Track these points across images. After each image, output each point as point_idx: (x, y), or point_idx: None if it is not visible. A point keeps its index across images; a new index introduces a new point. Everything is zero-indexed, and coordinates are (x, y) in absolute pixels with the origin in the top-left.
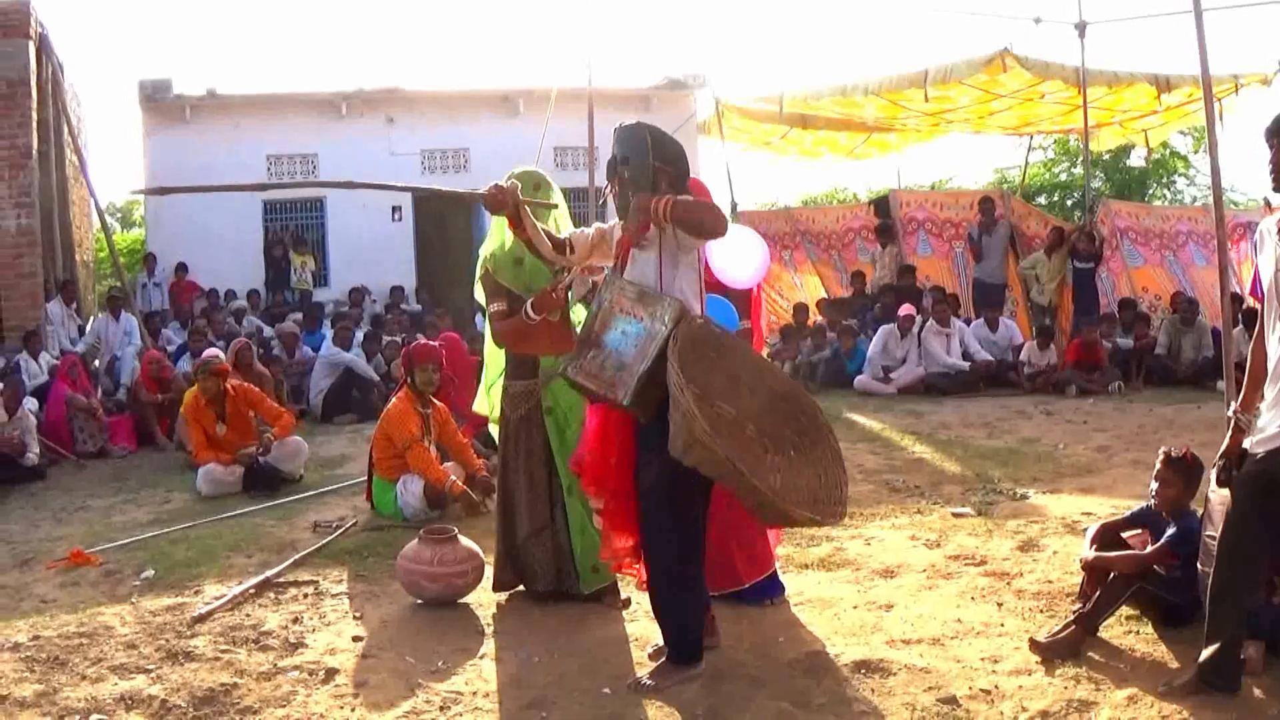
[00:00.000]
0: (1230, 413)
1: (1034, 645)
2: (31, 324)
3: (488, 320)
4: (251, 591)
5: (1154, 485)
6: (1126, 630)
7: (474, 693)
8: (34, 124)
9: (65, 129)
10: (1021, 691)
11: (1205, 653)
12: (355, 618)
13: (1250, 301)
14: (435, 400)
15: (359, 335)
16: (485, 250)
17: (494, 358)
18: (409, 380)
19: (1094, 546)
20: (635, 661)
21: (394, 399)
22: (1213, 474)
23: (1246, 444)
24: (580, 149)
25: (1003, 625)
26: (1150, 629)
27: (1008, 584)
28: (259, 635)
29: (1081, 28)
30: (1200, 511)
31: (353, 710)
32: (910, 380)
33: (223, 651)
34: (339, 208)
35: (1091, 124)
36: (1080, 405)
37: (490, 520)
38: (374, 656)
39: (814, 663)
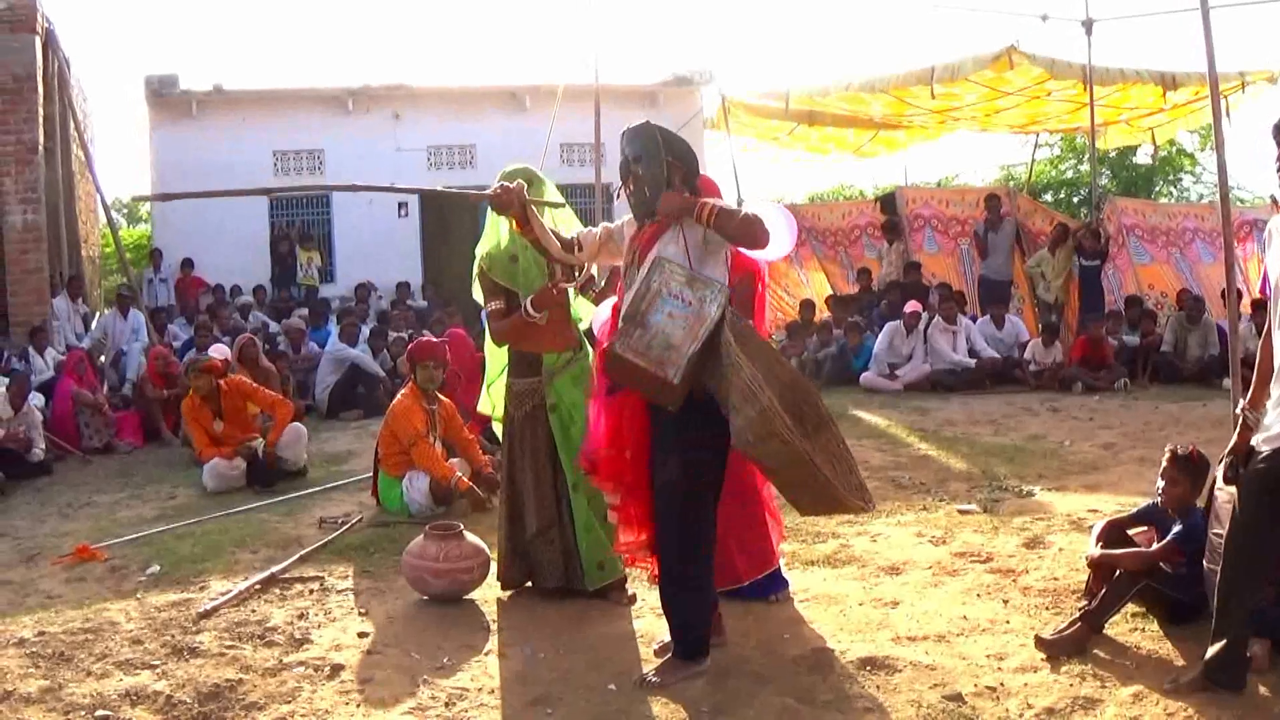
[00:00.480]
0: (1238, 410)
1: (1039, 642)
2: (38, 320)
3: (486, 318)
4: (257, 587)
5: (1160, 483)
6: (1132, 627)
7: (479, 689)
8: (40, 119)
9: (71, 124)
10: (1027, 689)
11: (1211, 650)
12: (361, 614)
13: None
14: (441, 396)
15: (365, 331)
16: (481, 249)
17: (494, 356)
18: (416, 377)
19: (1100, 544)
20: (641, 658)
21: (400, 395)
22: (1219, 472)
23: (1254, 441)
24: (587, 145)
25: (1008, 622)
26: (1156, 626)
27: (1013, 581)
28: (264, 631)
29: (1088, 25)
30: (1206, 509)
31: (358, 706)
32: (916, 377)
33: (228, 647)
34: (345, 204)
35: (1098, 122)
36: (1086, 402)
37: (495, 517)
38: (379, 652)
39: (819, 659)
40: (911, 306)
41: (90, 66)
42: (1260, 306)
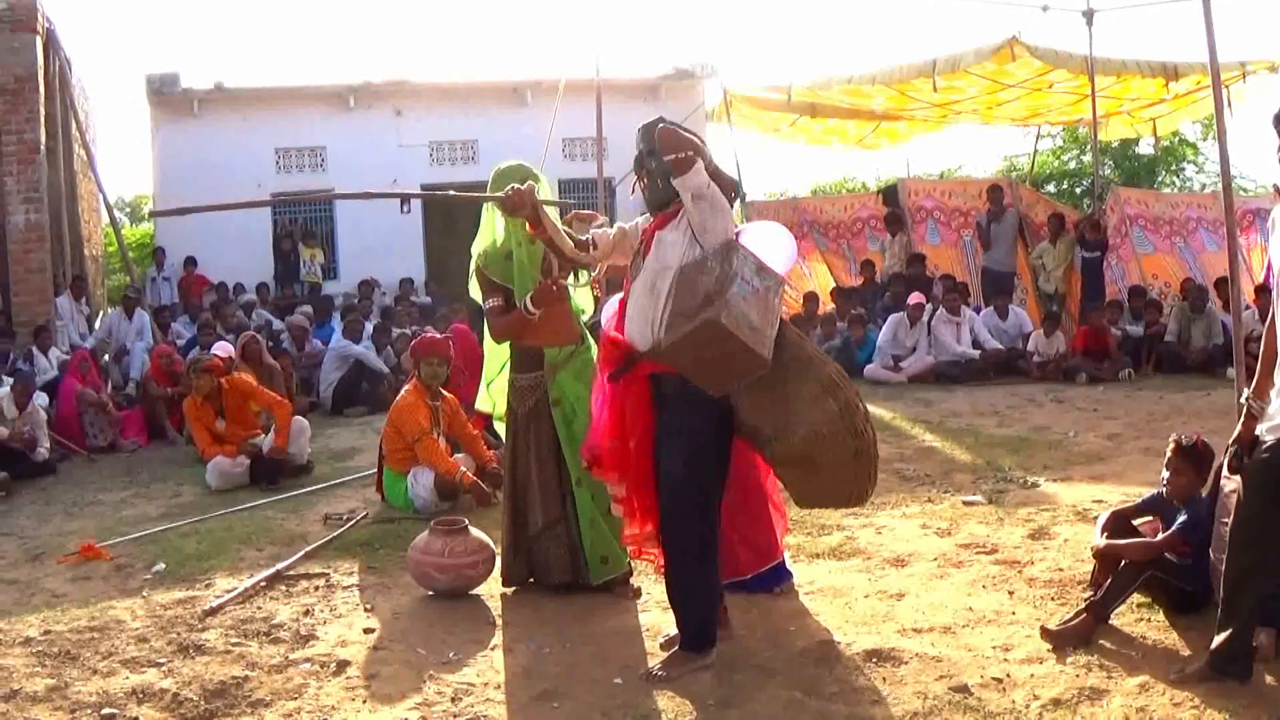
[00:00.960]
0: (1242, 399)
1: (1045, 633)
2: (41, 319)
3: (485, 317)
4: (262, 584)
5: (1165, 473)
6: (1138, 618)
7: (485, 684)
8: (42, 119)
9: (73, 124)
10: (1033, 680)
11: (1217, 640)
12: (366, 610)
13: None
14: (445, 392)
15: (369, 328)
16: (476, 247)
17: (493, 354)
18: (419, 373)
19: (1105, 534)
20: (647, 651)
21: (403, 391)
22: (1224, 461)
23: (1259, 431)
24: (589, 140)
25: (1014, 613)
26: (1161, 617)
27: (1019, 572)
28: (270, 628)
29: (1089, 15)
30: (1212, 498)
31: (364, 702)
32: (920, 369)
33: (234, 644)
34: (347, 201)
35: (1100, 113)
36: (1090, 393)
37: (500, 512)
38: (385, 648)
39: (825, 652)
40: (915, 298)
41: (92, 66)
42: (1263, 291)
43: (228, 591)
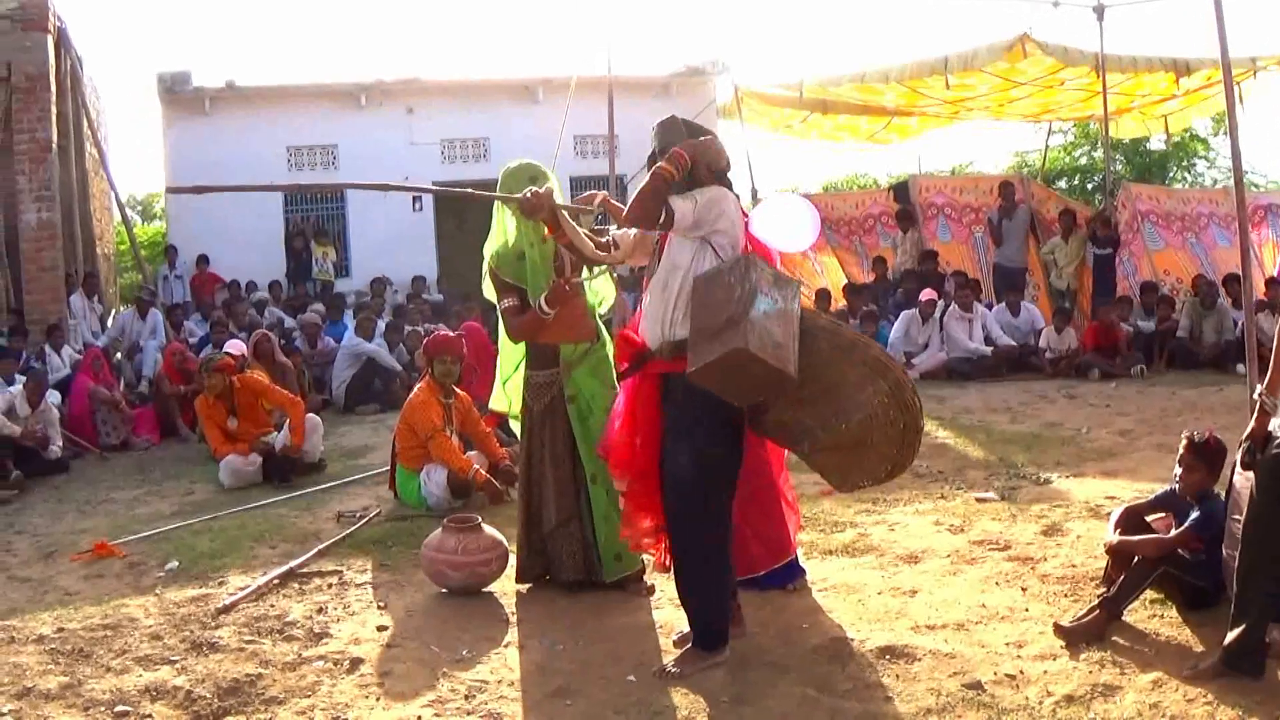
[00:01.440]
0: (1255, 395)
1: (1058, 630)
2: (54, 317)
3: (501, 316)
4: (276, 582)
5: (1177, 470)
6: (1151, 614)
7: (499, 681)
8: (53, 118)
9: (85, 122)
10: (1046, 676)
11: (1230, 636)
12: (380, 607)
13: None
14: (457, 390)
15: (381, 325)
16: (489, 248)
17: (508, 353)
18: (430, 371)
19: (1118, 530)
20: (660, 649)
21: (416, 389)
22: (1237, 457)
23: (1272, 426)
24: (600, 137)
25: (1027, 610)
26: (1174, 613)
27: (1032, 569)
28: (283, 626)
29: (1100, 11)
30: (1224, 495)
31: (378, 699)
32: (932, 365)
33: (247, 642)
34: (360, 199)
35: (1111, 110)
36: (1102, 389)
37: (513, 509)
38: (399, 646)
39: (838, 649)
40: (927, 295)
41: (103, 64)
42: (1275, 284)
43: (241, 589)
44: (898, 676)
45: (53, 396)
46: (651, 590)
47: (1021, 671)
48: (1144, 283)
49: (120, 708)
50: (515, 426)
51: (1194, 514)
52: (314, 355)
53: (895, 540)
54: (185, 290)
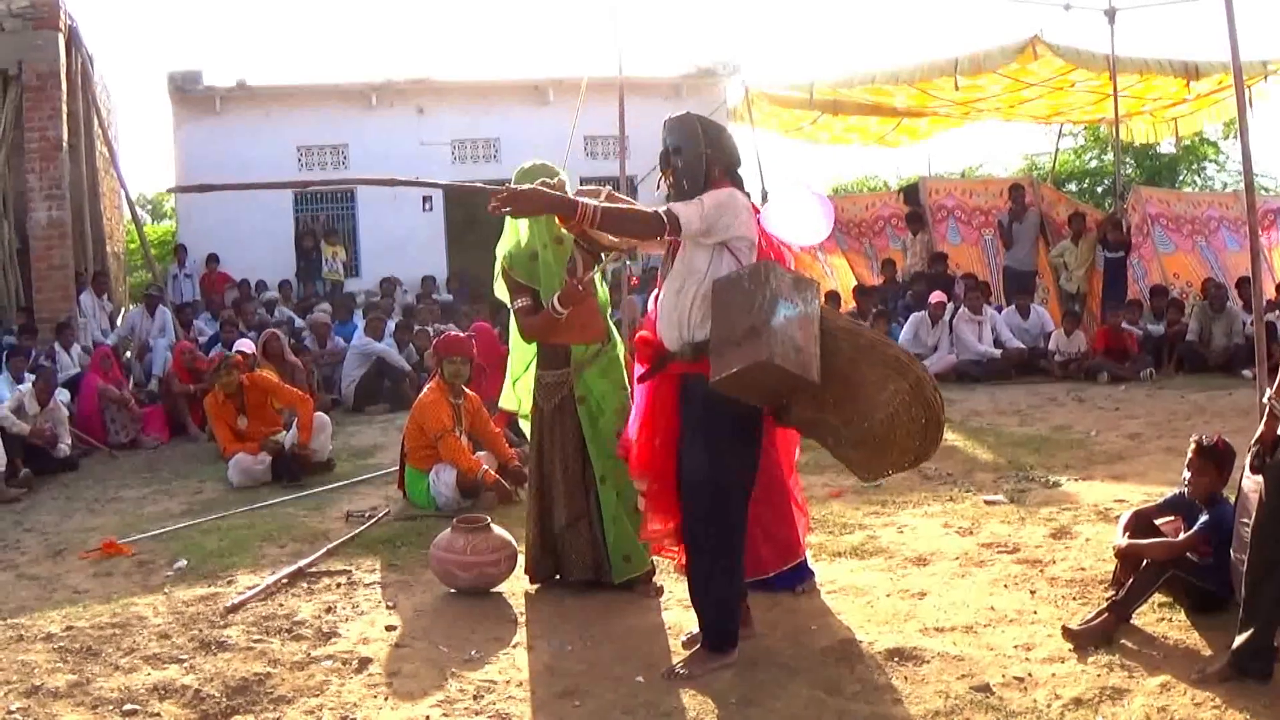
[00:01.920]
0: (1264, 399)
1: (1067, 633)
2: (63, 315)
3: (514, 316)
4: (284, 581)
5: (1186, 473)
6: (1159, 618)
7: (507, 681)
8: (64, 116)
9: (95, 121)
10: (1054, 679)
11: (1239, 640)
12: (388, 607)
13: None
14: (467, 390)
15: (390, 325)
16: (501, 248)
17: (519, 352)
18: (440, 371)
19: (1127, 534)
20: (669, 650)
21: (426, 389)
22: (1246, 461)
23: None
24: (611, 138)
25: (1035, 613)
26: (1183, 616)
27: (1040, 571)
28: (292, 625)
29: (1111, 14)
30: (1233, 498)
31: (386, 699)
32: (942, 368)
33: (256, 641)
34: (370, 199)
35: (1122, 112)
36: (1112, 392)
37: (522, 510)
38: (407, 646)
39: (847, 651)
40: (936, 297)
41: (114, 63)
42: None
43: (250, 588)
44: (906, 679)
45: (62, 395)
46: (660, 591)
47: (1030, 674)
48: (1153, 286)
49: (128, 706)
50: (525, 426)
51: (1203, 518)
52: (323, 355)
53: (904, 543)
54: (195, 289)
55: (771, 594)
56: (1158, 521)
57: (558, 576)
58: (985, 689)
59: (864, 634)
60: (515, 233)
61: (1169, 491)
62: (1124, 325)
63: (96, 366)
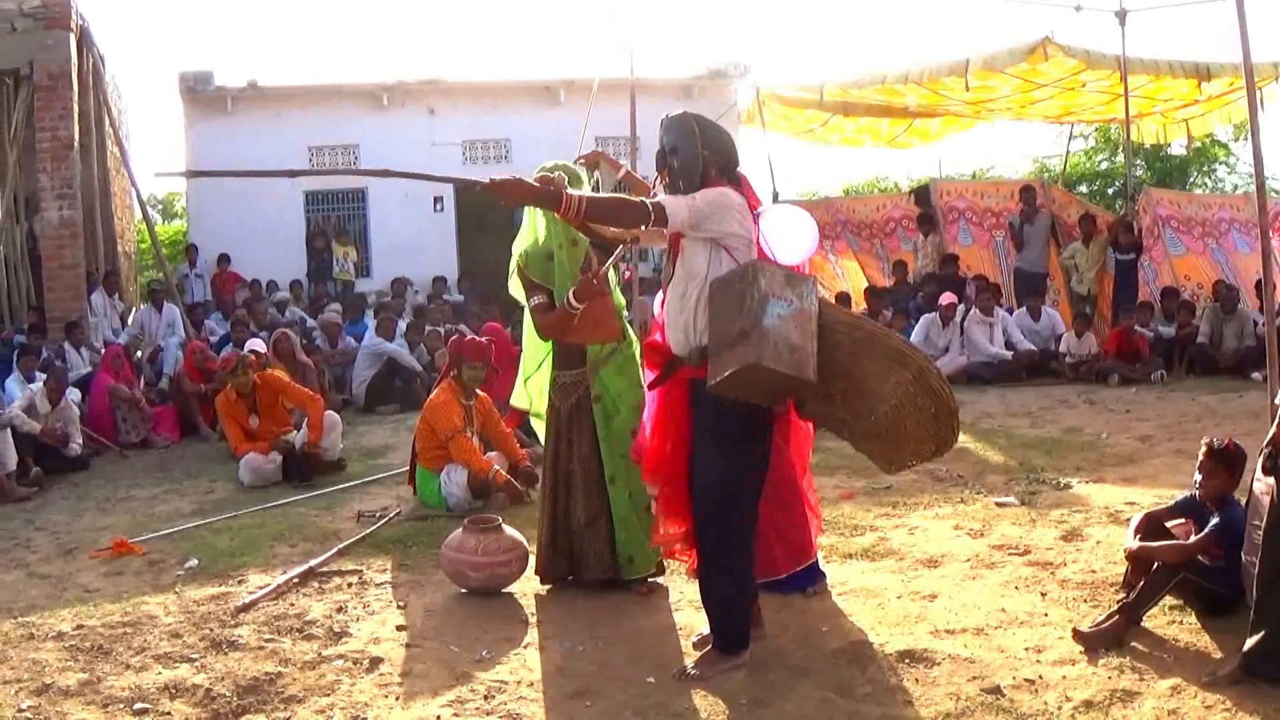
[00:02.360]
0: (1275, 401)
1: (1077, 635)
2: (74, 315)
3: (530, 314)
4: (295, 581)
5: (1197, 475)
6: (1170, 620)
7: (518, 681)
8: (75, 116)
9: (106, 121)
10: (1065, 681)
11: (1249, 642)
12: (399, 607)
13: None
14: (479, 391)
15: (401, 325)
16: (518, 246)
17: (533, 350)
18: (456, 373)
19: (1138, 536)
20: (680, 651)
21: (437, 390)
22: (1257, 463)
23: None
24: (622, 139)
25: (1046, 615)
26: (1194, 619)
27: (1051, 574)
28: (303, 625)
29: (1122, 15)
30: (1244, 501)
31: (397, 699)
32: (953, 369)
33: (267, 641)
34: (381, 199)
35: (1133, 113)
36: (1122, 394)
37: (533, 510)
38: (418, 645)
39: (858, 652)
40: (947, 299)
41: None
42: None
43: (260, 588)
44: (917, 681)
45: (73, 394)
46: (651, 590)
47: (1040, 676)
48: (1164, 288)
49: (139, 705)
50: (535, 424)
51: (1214, 520)
52: (334, 355)
53: (915, 544)
54: (206, 289)
55: (782, 595)
56: (1169, 524)
57: (569, 578)
58: (996, 691)
59: (875, 636)
60: (534, 230)
61: (1180, 494)
62: (1135, 328)
63: (107, 366)
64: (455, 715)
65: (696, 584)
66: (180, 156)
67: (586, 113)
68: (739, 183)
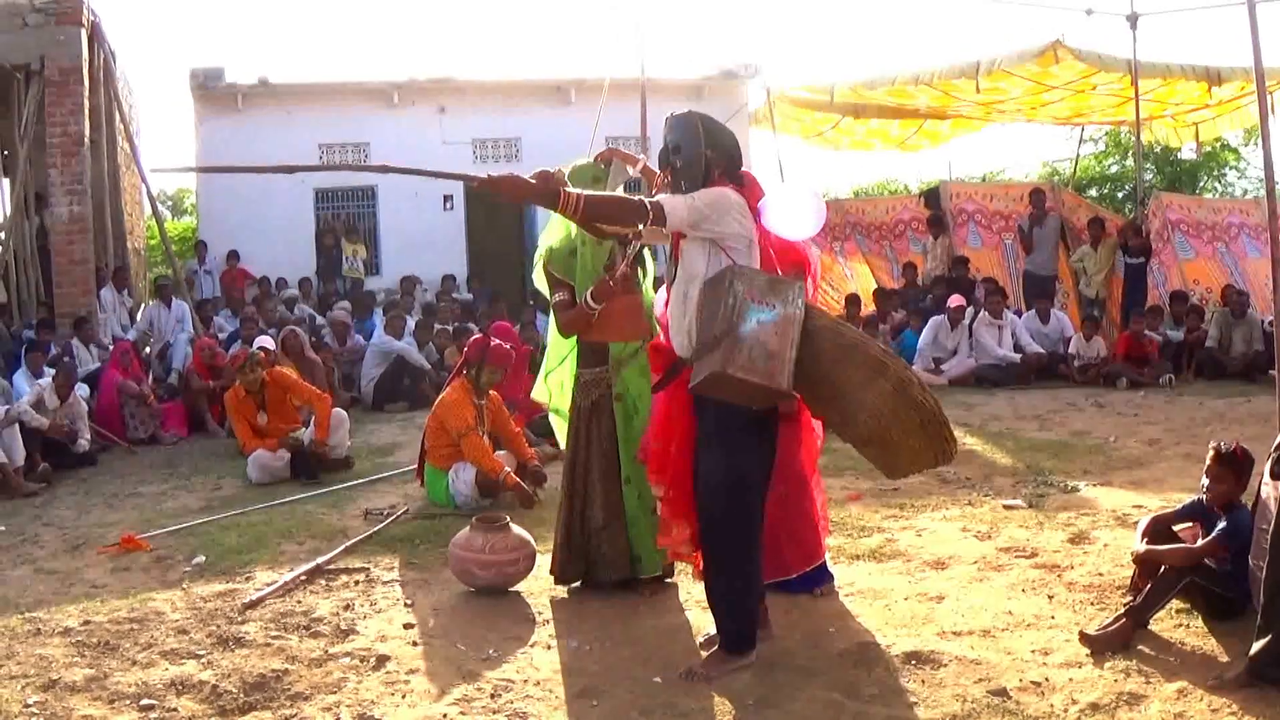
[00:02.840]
0: None
1: (1084, 638)
2: (83, 310)
3: (552, 310)
4: (303, 578)
5: (1205, 480)
6: (1177, 623)
7: (525, 680)
8: (86, 111)
9: (117, 117)
10: (1072, 684)
11: (1256, 646)
12: (406, 605)
13: None
14: (490, 390)
15: (411, 324)
16: (544, 240)
17: (556, 346)
18: (472, 374)
19: (1145, 539)
20: (687, 651)
21: (449, 388)
22: (1265, 468)
23: None
24: (633, 139)
25: (1053, 618)
26: (1200, 622)
27: (1058, 576)
28: (310, 622)
29: (1133, 19)
30: (1252, 505)
31: (404, 697)
32: (961, 372)
33: (274, 638)
34: (390, 196)
35: (1143, 116)
36: (1131, 398)
37: (542, 509)
38: (425, 644)
39: (865, 653)
40: (955, 301)
41: (136, 59)
42: None
43: (268, 585)
44: (923, 682)
45: (81, 390)
46: (658, 590)
47: (1047, 679)
48: (1173, 292)
49: (145, 701)
50: (554, 420)
51: (1221, 524)
52: (343, 352)
53: (922, 546)
54: (215, 285)
55: (790, 596)
56: (1176, 528)
57: (584, 579)
58: (1002, 693)
59: (882, 637)
60: (564, 228)
61: (1187, 498)
62: (1144, 332)
63: (116, 362)
64: (462, 713)
65: (703, 585)
66: (191, 153)
67: (597, 112)
68: (742, 183)
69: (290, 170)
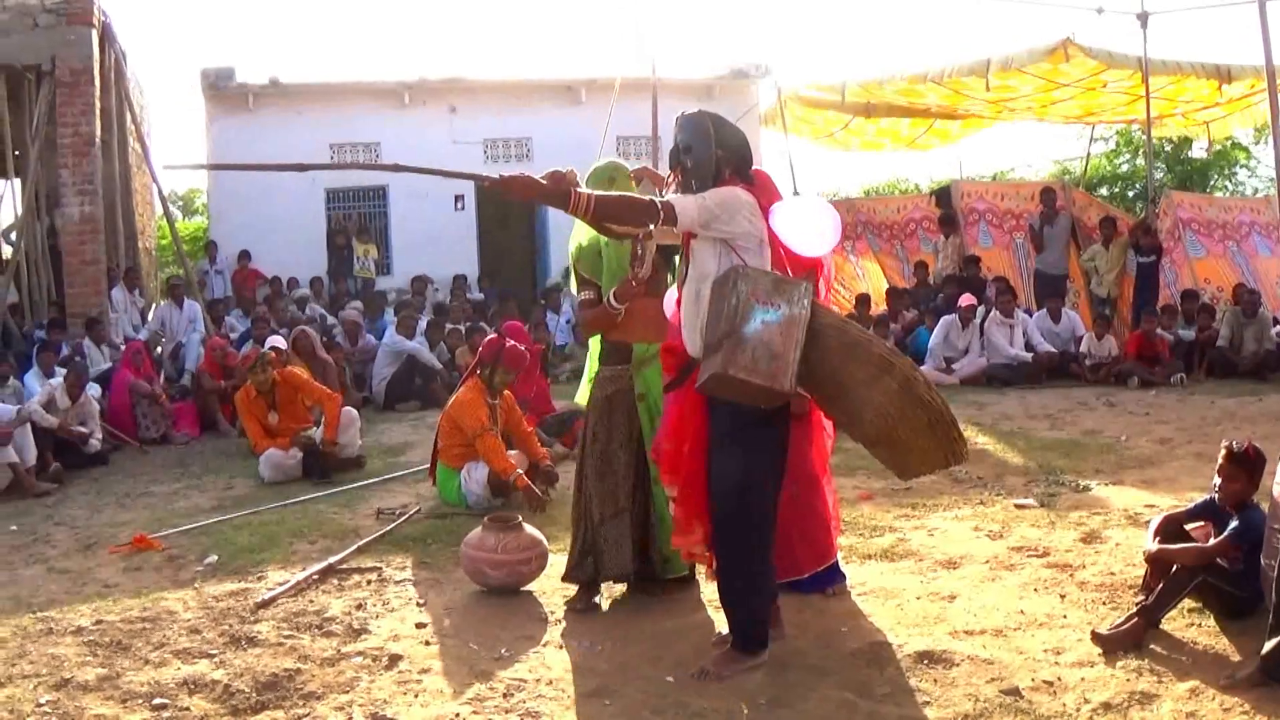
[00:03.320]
0: None
1: (1096, 637)
2: (94, 311)
3: (577, 309)
4: (315, 577)
5: (1217, 479)
6: (1189, 623)
7: (537, 680)
8: (97, 112)
9: (128, 117)
10: (1084, 683)
11: (1268, 645)
12: (419, 604)
13: None
14: (503, 390)
15: (422, 324)
16: (574, 239)
17: (596, 346)
18: (486, 374)
19: (1157, 539)
20: (699, 650)
21: (462, 388)
22: (1277, 467)
23: None
24: (643, 138)
25: (1065, 617)
26: (1212, 622)
27: (1070, 576)
28: (322, 621)
29: (1143, 18)
30: (1264, 504)
31: (416, 696)
32: (972, 371)
33: (286, 637)
34: (402, 196)
35: (1154, 115)
36: (1142, 397)
37: (554, 508)
38: (437, 643)
39: (877, 653)
40: (966, 300)
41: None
42: None
43: (280, 584)
44: (935, 681)
45: (93, 389)
46: (673, 591)
47: (1059, 678)
48: (1184, 291)
49: (158, 700)
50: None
51: (1233, 523)
52: (354, 352)
53: (934, 545)
54: (226, 285)
55: (802, 595)
56: (1188, 527)
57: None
58: (1014, 692)
59: (894, 636)
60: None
61: (1199, 497)
62: (1156, 331)
63: (128, 361)
64: (474, 713)
65: (716, 585)
66: (202, 153)
67: (608, 112)
68: (753, 182)
69: (302, 169)
